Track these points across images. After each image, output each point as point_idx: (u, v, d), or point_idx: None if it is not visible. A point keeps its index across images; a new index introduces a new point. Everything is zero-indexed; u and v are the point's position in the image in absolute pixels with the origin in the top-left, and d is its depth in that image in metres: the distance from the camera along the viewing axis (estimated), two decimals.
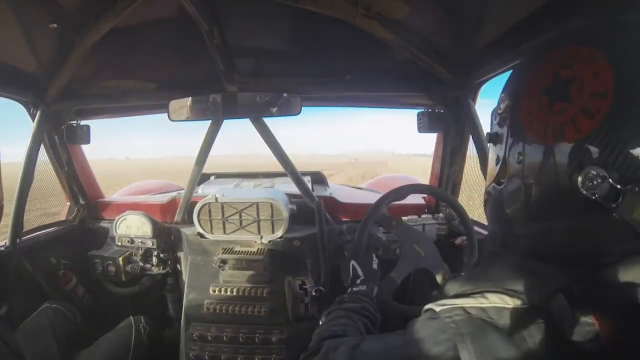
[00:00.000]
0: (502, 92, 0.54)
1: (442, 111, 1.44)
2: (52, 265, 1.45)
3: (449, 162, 1.48)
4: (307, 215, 1.42)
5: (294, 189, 1.51)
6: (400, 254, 1.06)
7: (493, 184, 0.54)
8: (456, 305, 0.45)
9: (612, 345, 0.38)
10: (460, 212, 1.17)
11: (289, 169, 1.44)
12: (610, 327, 0.38)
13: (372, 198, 1.45)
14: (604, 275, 0.39)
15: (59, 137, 1.49)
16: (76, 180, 1.60)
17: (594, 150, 0.39)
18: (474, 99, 1.28)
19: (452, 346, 0.43)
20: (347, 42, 1.17)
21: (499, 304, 0.43)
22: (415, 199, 1.67)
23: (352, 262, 1.00)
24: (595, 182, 0.38)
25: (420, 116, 1.49)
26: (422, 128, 1.48)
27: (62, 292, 1.44)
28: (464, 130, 1.39)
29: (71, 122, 1.51)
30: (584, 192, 0.39)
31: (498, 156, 0.52)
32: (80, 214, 1.65)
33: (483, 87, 1.27)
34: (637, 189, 0.37)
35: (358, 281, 0.97)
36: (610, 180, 0.38)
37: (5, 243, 1.31)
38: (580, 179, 0.39)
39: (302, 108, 1.26)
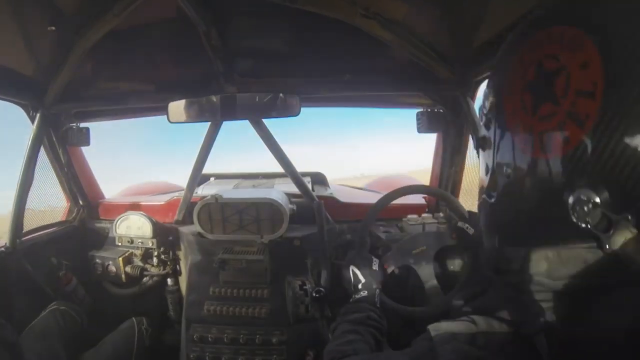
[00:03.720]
0: (487, 85, 0.48)
1: (441, 111, 1.44)
2: (53, 266, 1.45)
3: (449, 162, 1.48)
4: (308, 215, 1.42)
5: (294, 189, 1.51)
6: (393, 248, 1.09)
7: (484, 196, 0.49)
8: (448, 332, 0.45)
9: None
10: (460, 212, 1.17)
11: (289, 170, 1.44)
12: None
13: (372, 198, 1.45)
14: (589, 311, 0.37)
15: (59, 139, 1.49)
16: (76, 181, 1.61)
17: (585, 166, 0.34)
18: (473, 98, 1.28)
19: None
20: (346, 42, 1.17)
21: (486, 329, 0.43)
22: (416, 198, 1.67)
23: (352, 267, 1.00)
24: (586, 209, 0.34)
25: (419, 116, 1.49)
26: (421, 128, 1.48)
27: (62, 293, 1.45)
28: (464, 130, 1.38)
29: (71, 124, 1.51)
30: (575, 220, 0.35)
31: (487, 165, 0.47)
32: (80, 214, 1.66)
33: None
34: (629, 217, 0.32)
35: (360, 286, 0.97)
36: (602, 205, 0.33)
37: (5, 244, 1.31)
38: (570, 201, 0.35)
39: (302, 108, 1.26)
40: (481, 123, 0.49)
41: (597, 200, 0.34)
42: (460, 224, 1.10)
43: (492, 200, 0.47)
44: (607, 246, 0.34)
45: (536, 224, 0.41)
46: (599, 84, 0.33)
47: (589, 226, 0.34)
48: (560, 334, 0.38)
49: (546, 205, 0.38)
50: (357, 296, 0.94)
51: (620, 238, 0.33)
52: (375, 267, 1.02)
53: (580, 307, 0.38)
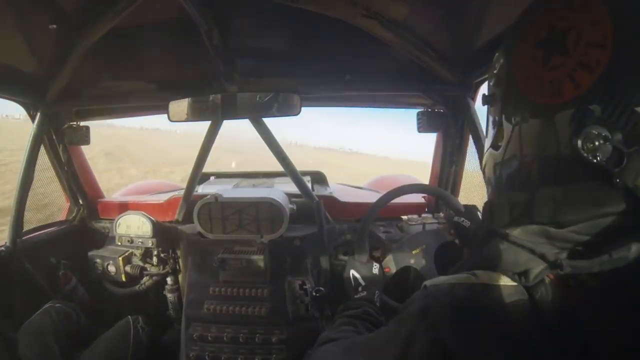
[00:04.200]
0: (497, 51, 0.51)
1: (441, 111, 1.44)
2: (52, 265, 1.45)
3: (449, 162, 1.49)
4: (307, 215, 1.42)
5: (293, 189, 1.51)
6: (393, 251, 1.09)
7: (490, 148, 0.50)
8: (446, 283, 0.44)
9: (594, 339, 0.35)
10: (455, 207, 1.17)
11: (289, 169, 1.44)
12: (595, 319, 0.35)
13: (372, 197, 1.46)
14: (599, 253, 0.36)
15: (59, 138, 1.49)
16: (76, 180, 1.61)
17: (595, 107, 0.35)
18: (474, 98, 1.28)
19: (435, 330, 0.41)
20: (347, 42, 1.17)
21: (487, 281, 0.42)
22: (416, 198, 1.67)
23: (352, 272, 1.01)
24: (597, 143, 0.34)
25: (419, 116, 1.49)
26: (421, 128, 1.48)
27: (62, 292, 1.45)
28: (464, 130, 1.39)
29: (71, 123, 1.51)
30: (585, 154, 0.35)
31: (495, 119, 0.49)
32: (80, 214, 1.66)
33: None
34: None
35: (360, 289, 0.98)
36: (614, 141, 0.34)
37: (6, 243, 1.31)
38: (580, 140, 0.35)
39: (302, 108, 1.26)
40: (490, 83, 0.50)
41: (608, 134, 0.34)
42: (456, 218, 1.11)
43: (499, 150, 0.48)
44: (618, 180, 0.34)
45: (544, 165, 0.41)
46: (609, 37, 0.35)
47: (599, 160, 0.34)
48: (564, 283, 0.37)
49: (555, 146, 0.39)
50: (357, 297, 0.96)
51: (633, 170, 0.33)
52: (375, 271, 1.02)
53: (591, 251, 0.37)
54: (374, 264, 1.03)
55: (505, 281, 0.41)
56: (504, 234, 0.44)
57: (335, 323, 0.82)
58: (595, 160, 0.35)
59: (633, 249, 0.34)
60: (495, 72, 0.49)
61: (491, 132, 0.50)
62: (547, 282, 0.39)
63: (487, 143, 0.52)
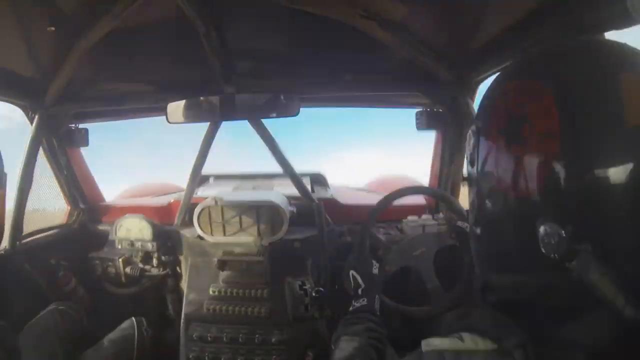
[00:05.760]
0: (470, 128, 0.53)
1: (440, 110, 1.44)
2: (52, 268, 1.45)
3: (448, 162, 1.48)
4: (308, 217, 1.42)
5: (294, 190, 1.51)
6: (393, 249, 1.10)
7: (472, 224, 0.53)
8: (437, 349, 0.47)
9: None
10: (458, 211, 1.17)
11: (288, 171, 1.44)
12: None
13: (373, 199, 1.45)
14: (555, 334, 0.40)
15: (58, 140, 1.49)
16: (76, 183, 1.60)
17: (550, 200, 0.38)
18: (473, 98, 1.28)
19: None
20: (346, 42, 1.17)
21: (471, 347, 0.45)
22: (415, 199, 1.67)
23: (351, 272, 1.00)
24: (553, 240, 0.37)
25: (418, 115, 1.49)
26: (420, 127, 1.49)
27: (61, 294, 1.44)
28: (463, 130, 1.39)
29: (70, 125, 1.51)
30: (543, 250, 0.38)
31: (473, 199, 0.51)
32: (80, 217, 1.65)
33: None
34: (591, 248, 0.35)
35: (360, 291, 0.96)
36: (566, 237, 0.36)
37: (5, 246, 1.31)
38: (540, 234, 0.38)
39: (301, 109, 1.26)
40: (467, 161, 0.53)
41: (563, 233, 0.36)
42: (459, 223, 1.10)
43: (478, 231, 0.50)
44: (573, 274, 0.37)
45: (510, 255, 0.45)
46: (557, 129, 0.37)
47: (556, 257, 0.37)
48: (535, 350, 0.41)
49: (520, 238, 0.42)
50: (357, 304, 0.94)
51: (582, 266, 0.36)
52: (375, 270, 1.02)
53: (551, 327, 0.41)
54: (374, 263, 1.03)
55: (487, 346, 0.44)
56: (486, 304, 0.49)
57: (339, 342, 0.82)
58: (551, 256, 0.37)
59: (585, 329, 0.39)
60: (470, 152, 0.51)
61: (470, 209, 0.53)
62: (523, 347, 0.42)
63: (471, 218, 0.54)
